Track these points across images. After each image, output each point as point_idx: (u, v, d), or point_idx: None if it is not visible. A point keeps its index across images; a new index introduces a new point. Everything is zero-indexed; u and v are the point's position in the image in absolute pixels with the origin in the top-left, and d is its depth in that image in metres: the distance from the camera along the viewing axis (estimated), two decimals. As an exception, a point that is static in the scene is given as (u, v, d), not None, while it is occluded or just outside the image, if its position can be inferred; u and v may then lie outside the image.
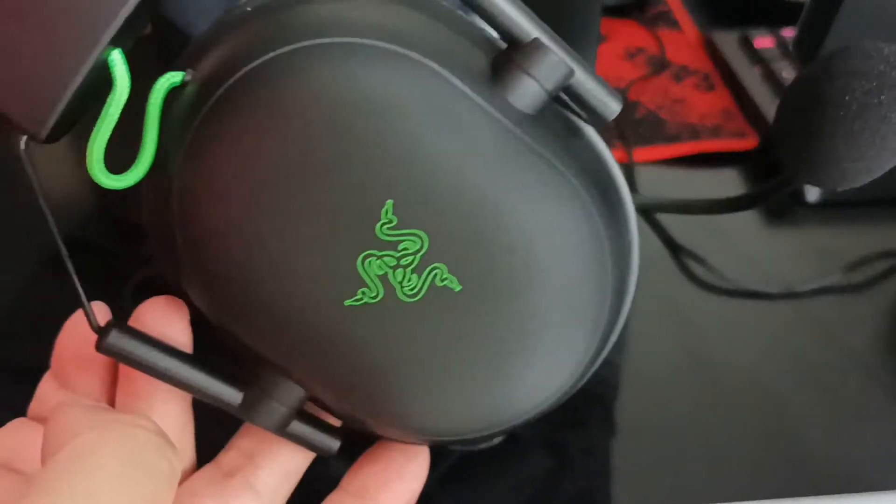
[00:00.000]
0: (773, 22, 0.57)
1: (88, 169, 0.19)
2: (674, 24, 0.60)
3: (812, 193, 0.47)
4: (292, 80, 0.19)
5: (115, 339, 0.20)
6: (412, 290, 0.20)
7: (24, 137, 0.18)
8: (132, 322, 0.21)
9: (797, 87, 0.23)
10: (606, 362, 0.22)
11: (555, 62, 0.20)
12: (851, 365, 0.40)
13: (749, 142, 0.51)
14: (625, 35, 0.59)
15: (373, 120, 0.19)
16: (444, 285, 0.20)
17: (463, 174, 0.19)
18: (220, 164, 0.19)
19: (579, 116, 0.22)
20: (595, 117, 0.21)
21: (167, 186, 0.20)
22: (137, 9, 0.18)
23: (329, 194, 0.19)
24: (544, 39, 0.20)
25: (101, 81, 0.19)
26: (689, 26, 0.60)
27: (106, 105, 0.19)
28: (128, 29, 0.18)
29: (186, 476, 0.23)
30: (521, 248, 0.20)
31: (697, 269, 0.44)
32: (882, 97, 0.21)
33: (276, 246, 0.19)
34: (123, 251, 0.41)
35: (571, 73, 0.20)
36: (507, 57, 0.20)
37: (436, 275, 0.20)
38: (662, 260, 0.44)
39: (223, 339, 0.21)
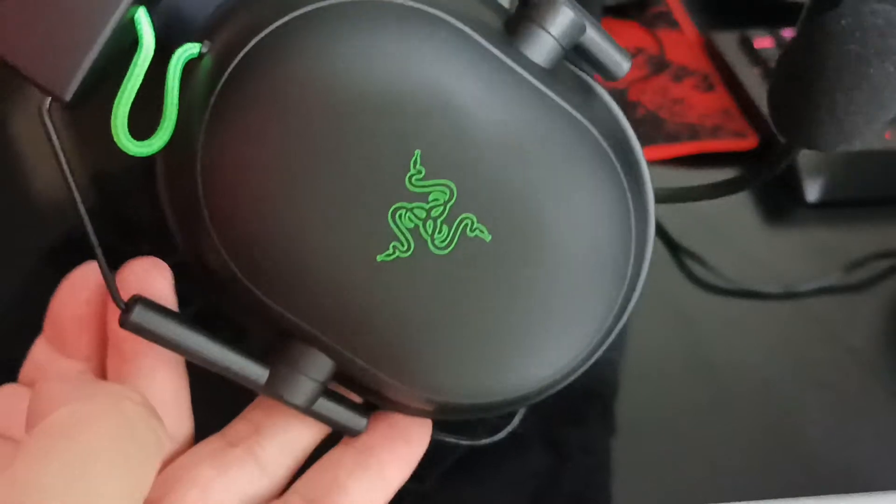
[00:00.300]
0: (773, 22, 0.57)
1: (113, 133, 0.19)
2: (674, 24, 0.60)
3: (812, 193, 0.47)
4: (311, 40, 0.19)
5: (140, 314, 0.20)
6: (443, 241, 0.20)
7: (48, 100, 0.18)
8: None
9: (792, 49, 0.23)
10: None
11: (568, 17, 0.20)
12: (852, 364, 0.39)
13: (749, 142, 0.50)
14: (625, 35, 0.59)
15: (394, 73, 0.19)
16: (475, 236, 0.20)
17: (485, 123, 0.19)
18: (245, 130, 0.19)
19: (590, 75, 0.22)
20: (606, 75, 0.21)
21: (189, 158, 0.19)
22: None
23: (356, 150, 0.19)
24: None
25: (125, 43, 0.18)
26: (689, 26, 0.60)
27: (132, 65, 0.19)
28: None
29: (186, 442, 0.22)
30: (547, 196, 0.20)
31: (697, 269, 0.44)
32: (878, 41, 0.21)
33: (308, 206, 0.19)
34: (123, 249, 0.41)
35: (583, 29, 0.21)
36: (522, 13, 0.20)
37: (466, 225, 0.20)
38: (662, 259, 0.44)
39: (249, 312, 0.21)
